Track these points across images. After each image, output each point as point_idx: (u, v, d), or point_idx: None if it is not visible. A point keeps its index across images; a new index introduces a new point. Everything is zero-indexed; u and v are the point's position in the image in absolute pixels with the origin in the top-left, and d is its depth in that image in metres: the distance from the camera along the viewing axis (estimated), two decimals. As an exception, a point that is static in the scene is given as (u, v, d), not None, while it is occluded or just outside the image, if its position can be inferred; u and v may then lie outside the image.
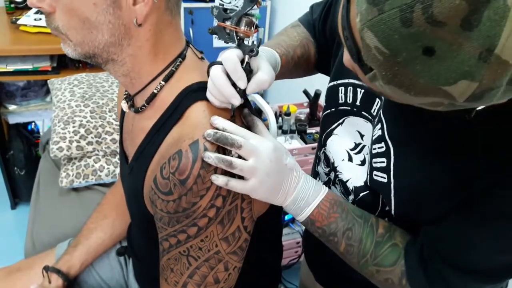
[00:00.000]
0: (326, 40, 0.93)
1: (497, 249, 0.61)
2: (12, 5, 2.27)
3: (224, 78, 0.65)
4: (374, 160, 0.73)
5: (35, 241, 1.44)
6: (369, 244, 0.71)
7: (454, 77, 0.42)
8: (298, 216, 0.73)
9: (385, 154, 0.70)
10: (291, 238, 1.87)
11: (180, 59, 0.74)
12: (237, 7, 0.66)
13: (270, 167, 0.66)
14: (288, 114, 1.78)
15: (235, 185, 0.65)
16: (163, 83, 0.73)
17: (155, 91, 0.73)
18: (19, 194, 2.34)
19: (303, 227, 1.87)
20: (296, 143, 1.76)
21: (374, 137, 0.74)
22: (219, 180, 0.64)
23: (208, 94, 0.69)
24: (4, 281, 1.11)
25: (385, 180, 0.70)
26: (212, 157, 0.63)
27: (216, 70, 0.66)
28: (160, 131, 0.72)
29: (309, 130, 1.81)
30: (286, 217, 1.85)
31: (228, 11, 0.66)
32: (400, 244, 0.70)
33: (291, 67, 0.91)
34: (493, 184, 0.58)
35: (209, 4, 2.39)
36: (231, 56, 0.65)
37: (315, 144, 1.69)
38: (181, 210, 0.65)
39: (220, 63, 0.66)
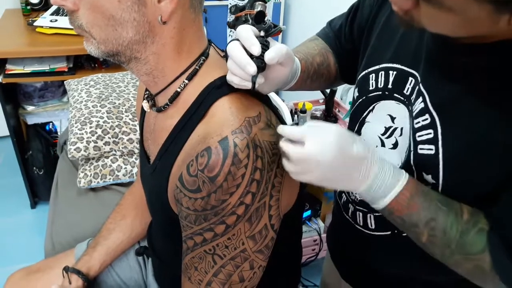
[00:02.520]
0: (353, 40, 0.93)
1: None
2: (28, 7, 2.30)
3: (239, 47, 0.66)
4: (418, 133, 0.71)
5: (54, 241, 1.46)
6: (454, 233, 0.66)
7: None
8: (374, 205, 0.70)
9: (431, 125, 0.68)
10: (308, 236, 1.86)
11: (203, 57, 0.74)
12: None
13: (333, 162, 0.64)
14: (304, 111, 1.77)
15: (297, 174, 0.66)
16: (186, 81, 0.73)
17: (179, 89, 0.73)
18: (38, 194, 2.38)
19: (321, 225, 1.86)
20: (312, 140, 1.75)
21: (415, 112, 0.72)
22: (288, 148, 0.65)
23: (228, 75, 0.69)
24: (24, 281, 1.13)
25: (433, 152, 0.68)
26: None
27: (232, 44, 0.67)
28: (184, 129, 0.72)
29: (325, 127, 1.80)
30: (304, 215, 1.84)
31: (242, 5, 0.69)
32: (486, 227, 0.66)
33: (311, 74, 0.90)
34: None
35: (223, 2, 2.40)
36: (243, 27, 0.66)
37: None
38: (210, 208, 0.65)
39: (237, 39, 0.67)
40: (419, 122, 0.71)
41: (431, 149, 0.68)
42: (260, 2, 0.68)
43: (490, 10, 0.50)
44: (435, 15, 0.55)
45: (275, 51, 0.66)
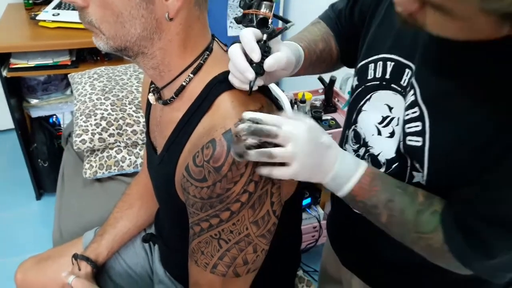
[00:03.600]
0: (353, 25, 0.94)
1: None
2: (30, 1, 2.31)
3: (240, 53, 0.68)
4: (407, 125, 0.74)
5: (62, 230, 1.49)
6: (410, 213, 0.71)
7: None
8: (338, 192, 0.74)
9: (420, 118, 0.71)
10: (308, 223, 1.90)
11: (207, 52, 0.76)
12: None
13: (308, 149, 0.67)
14: (303, 101, 1.80)
15: (279, 173, 0.67)
16: (191, 75, 0.75)
17: (184, 83, 0.76)
18: (43, 185, 2.41)
19: (320, 212, 1.90)
20: (312, 130, 1.78)
21: (407, 104, 0.75)
22: (264, 171, 0.67)
23: (230, 76, 0.71)
24: (35, 269, 1.16)
25: (420, 144, 0.71)
26: (252, 153, 0.65)
27: (233, 47, 0.69)
28: (190, 121, 0.75)
29: (324, 117, 1.83)
30: (303, 202, 1.88)
31: (252, 1, 0.70)
32: (440, 210, 0.71)
33: (314, 61, 0.92)
34: None
35: (223, -7, 2.41)
36: (247, 32, 0.68)
37: (332, 131, 1.71)
38: (215, 196, 0.68)
39: (239, 41, 0.69)
40: (408, 114, 0.74)
41: (418, 141, 0.72)
42: (267, 2, 0.69)
43: (496, 20, 0.51)
44: (441, 21, 0.56)
45: (275, 59, 0.68)
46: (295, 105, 1.81)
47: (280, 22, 0.74)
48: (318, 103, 1.89)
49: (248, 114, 0.67)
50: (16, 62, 2.05)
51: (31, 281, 1.15)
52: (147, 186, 1.11)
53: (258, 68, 0.68)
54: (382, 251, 0.77)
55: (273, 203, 0.73)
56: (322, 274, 1.27)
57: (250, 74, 0.67)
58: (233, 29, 2.50)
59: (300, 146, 0.67)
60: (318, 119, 1.80)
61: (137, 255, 1.19)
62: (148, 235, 1.16)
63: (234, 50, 0.68)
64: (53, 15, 2.13)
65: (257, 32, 0.69)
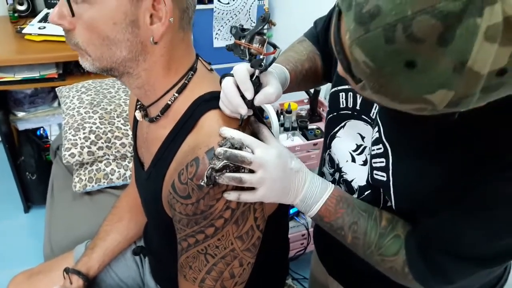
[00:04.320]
0: (329, 47, 0.97)
1: (486, 237, 0.65)
2: (16, 14, 2.31)
3: (234, 89, 0.71)
4: (374, 160, 0.78)
5: (52, 244, 1.50)
6: (373, 236, 0.76)
7: (433, 87, 0.47)
8: (307, 213, 0.78)
9: (384, 155, 0.75)
10: (296, 231, 1.93)
11: (191, 72, 0.79)
12: (252, 27, 0.71)
13: (276, 175, 0.71)
14: (289, 111, 1.83)
15: (247, 197, 0.71)
16: (176, 95, 0.77)
17: (169, 102, 0.78)
18: (31, 198, 2.40)
19: (308, 220, 1.93)
20: (298, 139, 1.82)
21: (372, 139, 0.79)
22: (231, 196, 0.70)
23: (220, 104, 0.74)
24: (27, 283, 1.17)
25: (385, 179, 0.75)
26: (223, 177, 0.68)
27: (227, 81, 0.72)
28: (176, 139, 0.77)
29: (310, 126, 1.86)
30: (291, 211, 1.91)
31: (244, 31, 0.72)
32: (402, 235, 0.75)
33: (299, 80, 0.96)
34: (481, 179, 0.62)
35: (209, 6, 2.43)
36: (241, 68, 0.71)
37: (317, 140, 1.75)
38: (199, 212, 0.71)
39: (232, 75, 0.72)
40: (374, 149, 0.78)
41: (384, 176, 0.76)
42: (259, 37, 0.71)
43: None
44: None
45: (265, 96, 0.72)
46: (281, 115, 1.84)
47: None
48: (303, 113, 1.93)
49: (225, 130, 0.71)
50: (3, 76, 2.04)
51: (23, 296, 1.16)
52: (136, 199, 1.12)
53: (249, 104, 0.72)
54: (364, 264, 0.80)
55: (257, 218, 0.76)
56: (311, 282, 1.30)
57: (243, 110, 0.71)
58: (218, 41, 2.52)
59: (269, 172, 0.70)
60: (304, 128, 1.84)
61: (128, 267, 1.20)
62: (138, 248, 1.18)
63: (228, 85, 0.72)
64: (39, 28, 2.14)
65: (249, 68, 0.72)
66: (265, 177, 0.70)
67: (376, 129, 0.77)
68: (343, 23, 0.51)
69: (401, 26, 0.44)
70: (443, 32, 0.43)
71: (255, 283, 0.84)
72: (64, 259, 1.21)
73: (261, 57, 0.72)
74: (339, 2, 0.52)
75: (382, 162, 0.76)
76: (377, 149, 0.77)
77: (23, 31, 2.13)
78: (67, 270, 1.10)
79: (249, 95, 0.71)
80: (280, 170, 0.72)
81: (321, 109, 1.95)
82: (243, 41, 0.71)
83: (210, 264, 0.75)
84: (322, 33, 1.01)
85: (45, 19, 2.23)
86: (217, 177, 0.68)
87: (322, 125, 1.91)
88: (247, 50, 0.71)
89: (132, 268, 1.20)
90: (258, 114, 0.83)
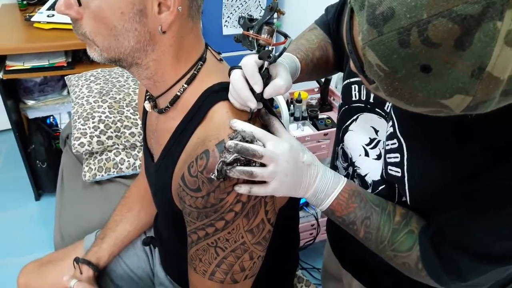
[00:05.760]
0: (341, 39, 0.95)
1: (501, 235, 0.64)
2: (25, 2, 2.30)
3: (242, 82, 0.69)
4: (388, 155, 0.76)
5: (63, 233, 1.50)
6: (386, 231, 0.74)
7: (450, 92, 0.45)
8: (319, 207, 0.77)
9: (398, 150, 0.73)
10: (306, 221, 1.93)
11: (201, 62, 0.77)
12: (260, 16, 0.69)
13: (287, 168, 0.70)
14: (299, 101, 1.81)
15: (258, 191, 0.69)
16: (185, 85, 0.76)
17: (178, 93, 0.77)
18: (42, 186, 2.42)
19: (317, 210, 1.92)
20: (308, 129, 1.80)
21: (387, 134, 0.77)
22: (242, 189, 0.69)
23: (230, 96, 0.73)
24: (37, 273, 1.18)
25: (399, 174, 0.74)
26: (234, 171, 0.67)
27: (235, 74, 0.71)
28: (185, 131, 0.76)
29: (320, 116, 1.84)
30: (301, 201, 1.90)
31: (253, 21, 0.70)
32: (416, 231, 0.74)
33: (310, 70, 0.93)
34: (498, 176, 0.61)
35: (218, -8, 2.41)
36: (249, 61, 0.69)
37: (328, 130, 1.73)
38: (210, 206, 0.70)
39: (240, 67, 0.70)
40: (388, 144, 0.76)
41: (398, 172, 0.74)
42: (268, 27, 0.69)
43: None
44: None
45: (274, 89, 0.70)
46: (292, 105, 1.82)
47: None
48: (314, 102, 1.90)
49: (236, 123, 0.69)
50: (12, 64, 2.04)
51: (33, 285, 1.17)
52: (146, 189, 1.12)
53: (259, 97, 0.70)
54: (377, 255, 0.79)
55: (267, 212, 0.75)
56: (324, 272, 1.30)
57: (253, 104, 0.69)
58: (228, 28, 2.49)
59: (280, 166, 0.69)
60: (314, 118, 1.82)
61: (138, 257, 1.21)
62: (148, 238, 1.18)
63: (237, 79, 0.70)
64: (48, 16, 2.13)
65: (258, 60, 0.70)
66: (276, 171, 0.69)
67: (391, 123, 0.76)
68: (355, 23, 0.49)
69: (416, 29, 0.43)
70: (460, 36, 0.42)
71: (265, 275, 0.83)
72: (74, 249, 1.21)
73: (270, 48, 0.70)
74: (352, 0, 0.50)
75: (397, 157, 0.74)
76: (392, 144, 0.75)
77: (32, 19, 2.12)
78: (77, 260, 1.11)
79: (258, 88, 0.69)
80: (291, 164, 0.70)
81: (332, 98, 1.93)
82: (251, 32, 0.69)
83: (220, 257, 0.74)
84: (332, 22, 0.98)
85: (53, 6, 2.22)
86: (228, 171, 0.67)
87: (332, 114, 1.88)
88: (255, 41, 0.69)
89: (142, 258, 1.21)
90: (269, 105, 0.82)
